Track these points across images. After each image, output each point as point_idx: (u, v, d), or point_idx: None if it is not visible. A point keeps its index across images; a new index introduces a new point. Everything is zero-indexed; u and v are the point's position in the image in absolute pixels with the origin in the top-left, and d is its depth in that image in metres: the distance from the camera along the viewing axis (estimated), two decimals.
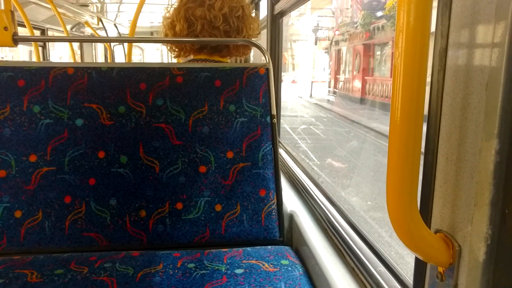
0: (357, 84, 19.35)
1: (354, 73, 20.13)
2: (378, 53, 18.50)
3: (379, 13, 18.08)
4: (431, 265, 0.57)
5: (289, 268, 1.09)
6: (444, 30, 0.54)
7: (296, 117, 15.90)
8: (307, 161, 8.53)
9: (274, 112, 1.31)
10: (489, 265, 0.48)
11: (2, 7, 1.19)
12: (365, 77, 18.55)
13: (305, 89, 24.24)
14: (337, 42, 23.04)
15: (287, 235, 1.35)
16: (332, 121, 14.70)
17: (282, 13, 2.17)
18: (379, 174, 7.38)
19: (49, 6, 3.71)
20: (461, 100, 0.51)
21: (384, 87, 16.33)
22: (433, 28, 0.53)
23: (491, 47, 0.46)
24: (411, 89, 0.47)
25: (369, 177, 7.58)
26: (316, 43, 25.95)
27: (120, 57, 6.73)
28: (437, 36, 0.55)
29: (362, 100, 18.31)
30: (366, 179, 7.46)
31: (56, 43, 11.14)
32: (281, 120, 2.39)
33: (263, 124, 1.30)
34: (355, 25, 20.54)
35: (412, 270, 0.64)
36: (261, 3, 2.85)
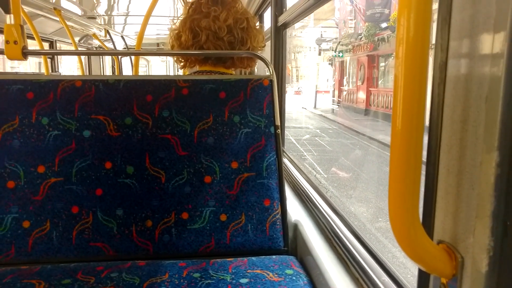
0: (362, 95, 19.35)
1: (359, 84, 20.14)
2: (382, 64, 18.53)
3: (384, 24, 18.17)
4: (434, 276, 0.58)
5: (294, 278, 1.09)
6: (444, 44, 0.55)
7: (301, 128, 15.84)
8: (315, 173, 8.48)
9: (278, 122, 1.32)
10: (492, 277, 0.48)
11: (12, 22, 1.21)
12: (370, 88, 18.55)
13: (309, 100, 24.27)
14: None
15: (292, 245, 1.35)
16: (338, 133, 14.65)
17: (286, 25, 2.20)
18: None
19: (58, 19, 3.78)
20: (461, 113, 0.51)
21: (389, 98, 16.31)
22: (433, 40, 0.54)
23: (490, 61, 0.47)
24: (412, 101, 0.48)
25: (378, 192, 7.48)
26: (320, 54, 26.09)
27: (127, 67, 6.80)
28: (436, 49, 0.56)
29: (366, 111, 18.29)
30: (375, 194, 7.37)
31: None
32: (285, 132, 2.40)
33: (267, 135, 1.31)
34: (359, 36, 20.63)
35: (416, 280, 0.64)
36: (264, 14, 2.89)
